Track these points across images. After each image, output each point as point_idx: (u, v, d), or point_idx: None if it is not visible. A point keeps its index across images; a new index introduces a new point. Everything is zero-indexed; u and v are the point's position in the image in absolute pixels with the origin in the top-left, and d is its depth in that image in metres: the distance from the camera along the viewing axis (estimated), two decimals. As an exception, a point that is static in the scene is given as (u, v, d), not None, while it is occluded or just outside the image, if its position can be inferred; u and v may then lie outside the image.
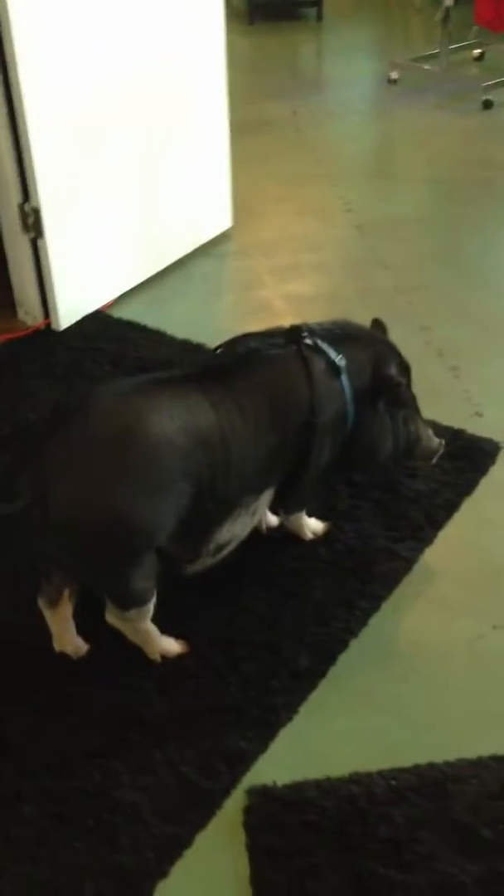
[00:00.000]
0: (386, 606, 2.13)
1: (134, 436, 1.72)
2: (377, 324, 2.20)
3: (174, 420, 1.78)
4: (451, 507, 2.40)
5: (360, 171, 4.51)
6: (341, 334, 2.08)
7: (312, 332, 2.05)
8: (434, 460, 2.26)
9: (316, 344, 2.01)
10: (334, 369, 2.00)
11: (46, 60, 2.78)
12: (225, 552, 2.01)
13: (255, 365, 1.96)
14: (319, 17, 7.49)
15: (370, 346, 2.10)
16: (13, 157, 2.91)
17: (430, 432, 2.24)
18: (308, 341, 2.01)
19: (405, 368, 2.15)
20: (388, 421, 2.11)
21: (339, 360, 2.01)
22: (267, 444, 1.92)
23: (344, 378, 2.01)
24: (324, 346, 2.01)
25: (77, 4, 2.83)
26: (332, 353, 2.01)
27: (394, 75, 5.81)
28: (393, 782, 1.75)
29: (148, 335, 3.16)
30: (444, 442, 2.27)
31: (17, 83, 2.73)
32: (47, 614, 1.94)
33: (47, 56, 2.78)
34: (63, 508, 1.67)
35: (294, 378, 1.96)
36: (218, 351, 2.07)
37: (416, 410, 2.20)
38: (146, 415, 1.76)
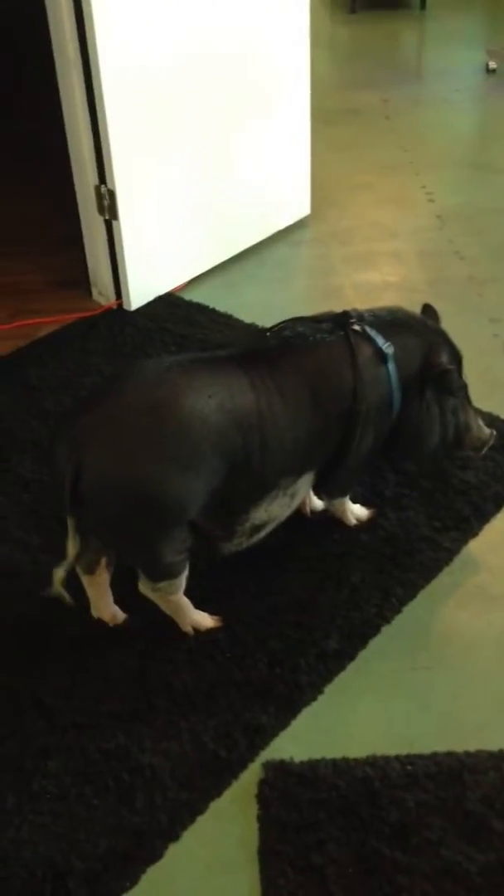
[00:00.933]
0: (422, 595, 2.13)
1: (168, 409, 1.76)
2: (428, 310, 2.18)
3: (211, 398, 1.81)
4: (500, 501, 2.37)
5: (446, 161, 4.44)
6: (391, 321, 2.07)
7: (361, 318, 2.05)
8: (484, 451, 2.23)
9: (364, 330, 2.01)
10: (381, 356, 2.00)
11: (125, 43, 2.83)
12: (263, 533, 2.04)
13: (299, 349, 1.98)
14: (423, 6, 7.36)
15: (420, 333, 2.09)
16: (90, 140, 2.99)
17: (481, 422, 2.21)
18: (356, 327, 2.01)
19: (456, 357, 2.13)
20: (436, 409, 2.09)
21: (387, 347, 2.00)
22: (307, 427, 1.93)
23: (391, 365, 2.01)
24: (372, 332, 2.01)
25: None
26: (379, 340, 2.00)
27: (492, 65, 5.68)
28: (409, 767, 1.75)
29: (216, 318, 3.20)
30: (494, 432, 2.24)
31: (97, 66, 2.80)
32: (85, 581, 2.00)
33: (126, 39, 2.83)
34: (95, 476, 1.73)
35: (338, 364, 1.97)
36: (267, 334, 2.10)
37: (468, 399, 2.17)
38: (183, 390, 1.80)
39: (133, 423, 1.75)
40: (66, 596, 1.87)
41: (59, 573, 1.85)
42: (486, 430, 2.22)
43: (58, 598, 1.86)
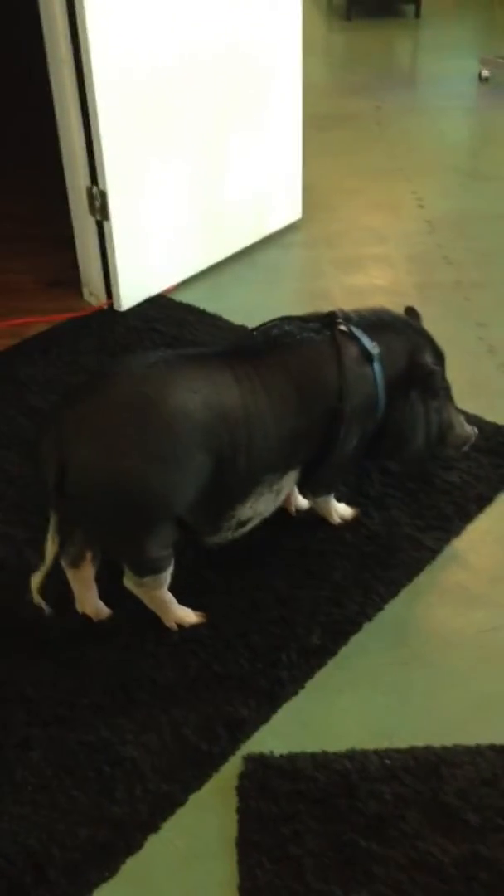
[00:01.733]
0: (404, 593, 2.15)
1: (152, 404, 1.78)
2: (411, 311, 2.21)
3: (196, 394, 1.83)
4: (483, 501, 2.39)
5: (438, 168, 4.48)
6: (376, 322, 2.10)
7: (348, 318, 2.07)
8: (465, 448, 2.26)
9: (350, 330, 2.04)
10: (367, 356, 2.02)
11: (118, 45, 2.86)
12: (247, 528, 2.06)
13: (285, 348, 2.00)
14: (418, 14, 7.42)
15: (404, 333, 2.12)
16: (83, 141, 3.01)
17: (462, 419, 2.24)
18: (342, 327, 2.04)
19: (440, 357, 2.15)
20: (420, 409, 2.12)
21: (373, 347, 2.03)
22: (292, 425, 1.96)
23: (376, 365, 2.03)
24: (358, 332, 2.04)
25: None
26: (365, 340, 2.03)
27: (485, 73, 5.74)
28: (387, 761, 1.77)
29: (205, 319, 3.22)
30: (476, 430, 2.27)
31: (89, 67, 2.82)
32: (70, 575, 2.02)
33: (119, 41, 2.86)
34: (79, 470, 1.75)
35: (323, 363, 1.99)
36: (254, 332, 2.12)
37: (450, 398, 2.20)
38: (167, 386, 1.82)
39: (118, 418, 1.77)
40: (44, 605, 1.90)
41: (36, 580, 1.88)
42: (468, 428, 2.25)
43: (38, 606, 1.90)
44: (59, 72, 2.95)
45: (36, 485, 2.31)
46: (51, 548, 1.86)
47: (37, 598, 1.89)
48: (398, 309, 2.21)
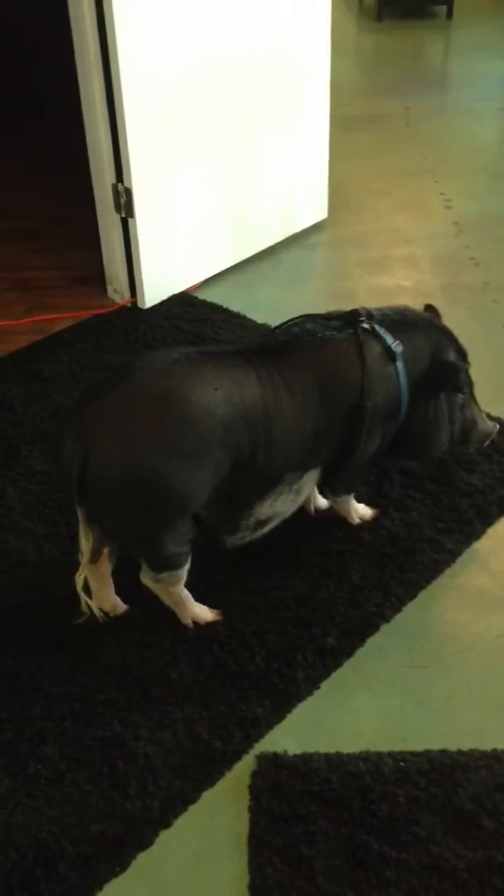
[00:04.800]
0: (423, 595, 2.13)
1: (173, 400, 1.78)
2: (431, 309, 2.19)
3: (217, 391, 1.83)
4: (504, 504, 2.37)
5: (466, 169, 4.44)
6: (400, 320, 2.09)
7: (371, 316, 2.06)
8: (487, 443, 2.25)
9: (373, 329, 2.02)
10: (390, 354, 2.01)
11: (145, 45, 2.86)
12: (267, 528, 2.05)
13: (308, 346, 1.99)
14: (450, 15, 7.38)
15: (427, 331, 2.10)
16: (109, 138, 3.02)
17: (484, 415, 2.23)
18: (365, 325, 2.02)
19: (462, 354, 2.14)
20: (444, 408, 2.10)
21: (396, 345, 2.01)
22: (313, 424, 1.95)
23: (399, 364, 2.02)
24: (381, 331, 2.02)
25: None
26: (388, 339, 2.02)
27: (516, 75, 5.70)
28: (402, 764, 1.76)
29: (228, 317, 3.22)
30: (498, 425, 2.26)
31: (116, 65, 2.83)
32: (87, 570, 2.01)
33: (146, 40, 2.86)
34: (100, 463, 1.75)
35: (346, 361, 1.98)
36: (276, 331, 2.11)
37: (472, 395, 2.19)
38: (189, 382, 1.81)
39: (139, 413, 1.77)
40: (89, 601, 1.92)
41: (80, 579, 1.90)
42: (490, 424, 2.24)
43: (93, 614, 1.94)
44: (87, 71, 2.96)
45: (57, 479, 2.33)
46: (84, 543, 1.87)
47: (84, 599, 1.92)
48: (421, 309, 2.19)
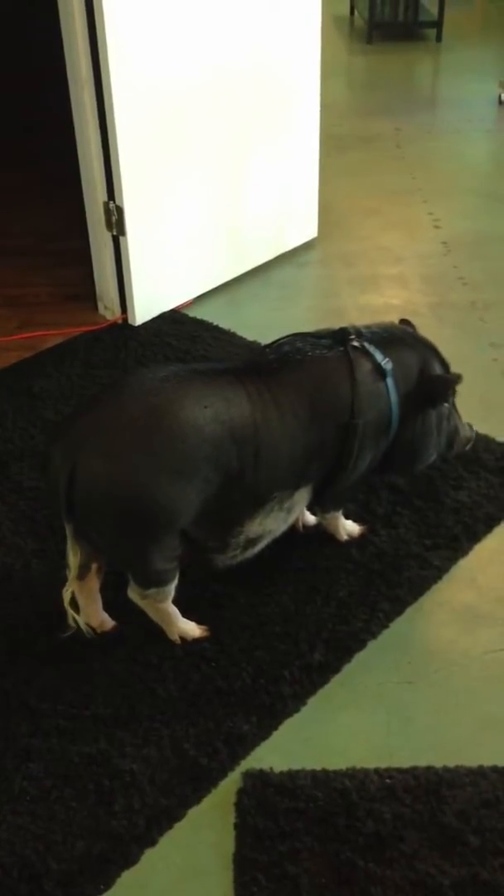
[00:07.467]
0: (410, 611, 2.14)
1: (162, 417, 1.79)
2: (406, 323, 2.21)
3: (207, 409, 1.83)
4: (491, 521, 2.38)
5: (455, 189, 4.49)
6: (387, 337, 2.10)
7: (360, 334, 2.08)
8: (468, 447, 2.28)
9: (363, 346, 2.04)
10: (380, 372, 2.02)
11: (137, 63, 2.89)
12: (258, 548, 2.05)
13: (297, 364, 2.00)
14: (439, 38, 7.45)
15: (414, 347, 2.12)
16: (100, 156, 3.04)
17: (462, 421, 2.26)
18: (355, 343, 2.04)
19: (445, 366, 2.16)
20: (433, 419, 2.12)
21: (386, 362, 2.03)
22: (303, 442, 1.95)
23: (389, 381, 2.03)
24: (371, 348, 2.04)
25: (169, 8, 2.93)
26: (378, 356, 2.03)
27: (504, 96, 5.76)
28: (388, 780, 1.76)
29: (219, 335, 3.23)
30: (475, 430, 2.28)
31: (108, 84, 2.85)
32: (75, 586, 2.02)
33: (138, 59, 2.89)
34: (87, 479, 1.76)
35: (336, 379, 1.99)
36: (266, 349, 2.12)
37: (454, 405, 2.22)
38: (178, 399, 1.82)
39: (126, 429, 1.78)
40: (76, 616, 1.92)
41: (67, 595, 1.90)
42: (470, 430, 2.27)
43: (80, 629, 1.94)
44: (79, 89, 2.99)
45: (46, 495, 2.33)
46: (72, 559, 1.88)
47: (70, 613, 1.92)
48: (418, 329, 2.21)
